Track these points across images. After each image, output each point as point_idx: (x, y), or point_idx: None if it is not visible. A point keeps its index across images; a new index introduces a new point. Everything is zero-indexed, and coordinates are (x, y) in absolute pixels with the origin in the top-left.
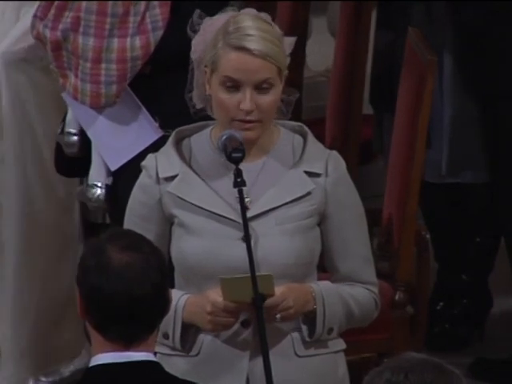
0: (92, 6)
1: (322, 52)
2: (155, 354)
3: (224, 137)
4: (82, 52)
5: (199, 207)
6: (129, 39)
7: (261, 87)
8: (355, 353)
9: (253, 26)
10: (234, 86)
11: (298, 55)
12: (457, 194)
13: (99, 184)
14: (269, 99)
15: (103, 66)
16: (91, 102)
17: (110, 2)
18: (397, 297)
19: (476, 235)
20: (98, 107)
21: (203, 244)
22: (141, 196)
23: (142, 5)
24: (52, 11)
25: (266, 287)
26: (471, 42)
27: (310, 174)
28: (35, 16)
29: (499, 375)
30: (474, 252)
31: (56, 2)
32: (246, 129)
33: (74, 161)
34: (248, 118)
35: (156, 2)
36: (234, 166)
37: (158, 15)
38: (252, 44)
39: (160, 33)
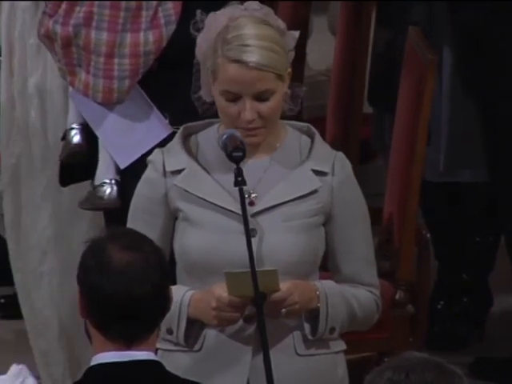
0: (105, 0)
1: (322, 51)
2: (156, 350)
3: (224, 136)
4: (94, 47)
5: (205, 200)
6: (142, 34)
7: (261, 96)
8: (355, 352)
9: (251, 34)
10: (233, 97)
11: (299, 54)
12: (457, 194)
13: (108, 181)
14: (270, 105)
15: (116, 60)
16: (103, 97)
17: None
18: (397, 296)
19: (476, 234)
20: (110, 103)
21: (207, 237)
22: (146, 190)
23: None
24: (63, 6)
25: (270, 282)
26: (471, 42)
27: (317, 172)
28: (44, 13)
29: (500, 374)
30: (474, 251)
31: None
32: (249, 135)
33: (67, 168)
34: (250, 126)
35: None
36: None
37: (171, 9)
38: (248, 56)
39: (173, 27)
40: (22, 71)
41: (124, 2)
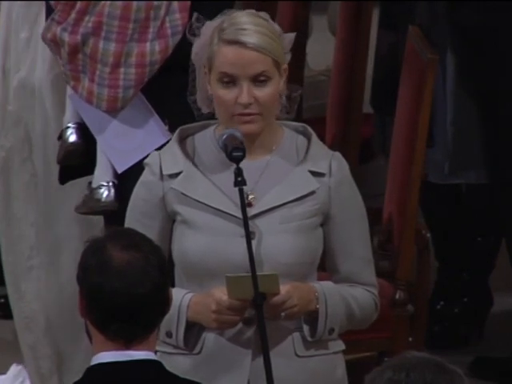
0: (115, 11)
1: (322, 51)
2: (156, 352)
3: (224, 136)
4: (101, 57)
5: (203, 203)
6: (148, 44)
7: (257, 80)
8: (355, 352)
9: (247, 21)
10: (230, 81)
11: (299, 54)
12: (458, 194)
13: (105, 184)
14: (267, 91)
15: (122, 70)
16: (108, 106)
17: (134, 8)
18: (397, 296)
19: (477, 234)
20: (114, 111)
21: (205, 240)
22: (143, 193)
23: (163, 9)
24: (72, 15)
25: (270, 286)
26: (472, 43)
27: (314, 173)
28: (52, 19)
29: (499, 374)
30: (475, 251)
31: (77, 7)
32: (246, 122)
33: (66, 168)
34: (247, 111)
35: (176, 7)
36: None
37: (178, 20)
38: (245, 37)
39: (179, 37)
40: (16, 65)
41: (134, 14)
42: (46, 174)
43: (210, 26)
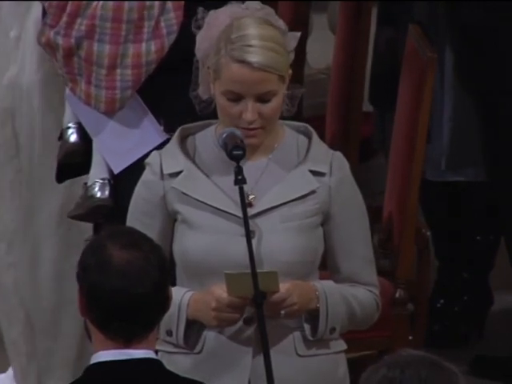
0: (107, 13)
1: (322, 49)
2: (157, 352)
3: (224, 135)
4: (96, 59)
5: (203, 203)
6: (144, 44)
7: (263, 98)
8: (355, 350)
9: (255, 35)
10: (235, 97)
11: (299, 53)
12: (457, 192)
13: (100, 180)
14: (271, 106)
15: (118, 71)
16: (106, 107)
17: (125, 9)
18: (397, 294)
19: (476, 233)
20: (112, 112)
21: (206, 239)
22: (144, 193)
23: (156, 9)
24: (64, 19)
25: (270, 284)
26: (471, 41)
27: (314, 172)
28: (45, 23)
29: (499, 372)
30: (475, 250)
31: (68, 10)
32: (249, 136)
33: (65, 167)
34: (251, 126)
35: (170, 6)
36: None
37: (173, 19)
38: (253, 56)
39: (174, 36)
40: (2, 65)
41: (126, 15)
42: (31, 172)
43: (214, 17)
